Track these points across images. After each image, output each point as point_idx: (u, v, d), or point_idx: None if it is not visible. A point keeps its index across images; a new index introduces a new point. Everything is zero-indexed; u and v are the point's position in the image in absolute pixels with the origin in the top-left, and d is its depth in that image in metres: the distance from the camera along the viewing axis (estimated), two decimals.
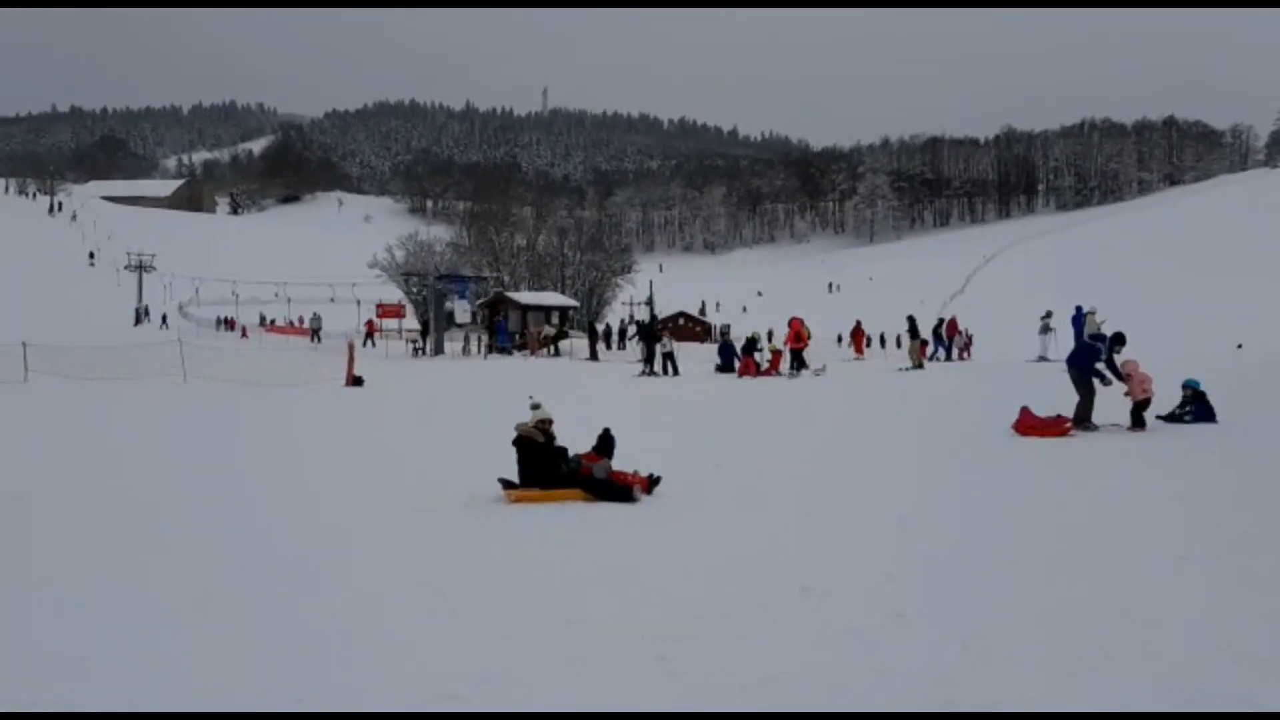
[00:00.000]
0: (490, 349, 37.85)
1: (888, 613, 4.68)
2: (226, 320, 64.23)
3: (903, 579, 5.35)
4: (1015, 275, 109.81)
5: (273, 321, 66.78)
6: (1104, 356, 11.86)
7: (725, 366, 27.23)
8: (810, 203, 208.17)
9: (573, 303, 49.39)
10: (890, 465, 10.06)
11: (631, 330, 45.96)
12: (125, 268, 79.27)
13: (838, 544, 6.32)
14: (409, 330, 50.79)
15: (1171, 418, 12.09)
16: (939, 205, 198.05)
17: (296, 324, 62.55)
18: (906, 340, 28.64)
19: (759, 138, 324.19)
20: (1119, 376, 11.78)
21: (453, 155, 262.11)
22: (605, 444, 8.37)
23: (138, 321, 61.11)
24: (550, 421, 8.16)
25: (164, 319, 62.21)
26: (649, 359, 26.91)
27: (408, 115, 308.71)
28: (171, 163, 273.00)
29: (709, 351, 34.73)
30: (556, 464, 8.00)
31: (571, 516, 7.29)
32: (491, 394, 19.24)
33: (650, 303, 70.83)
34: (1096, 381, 11.71)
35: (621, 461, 8.35)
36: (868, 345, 38.73)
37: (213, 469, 10.20)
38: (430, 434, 13.74)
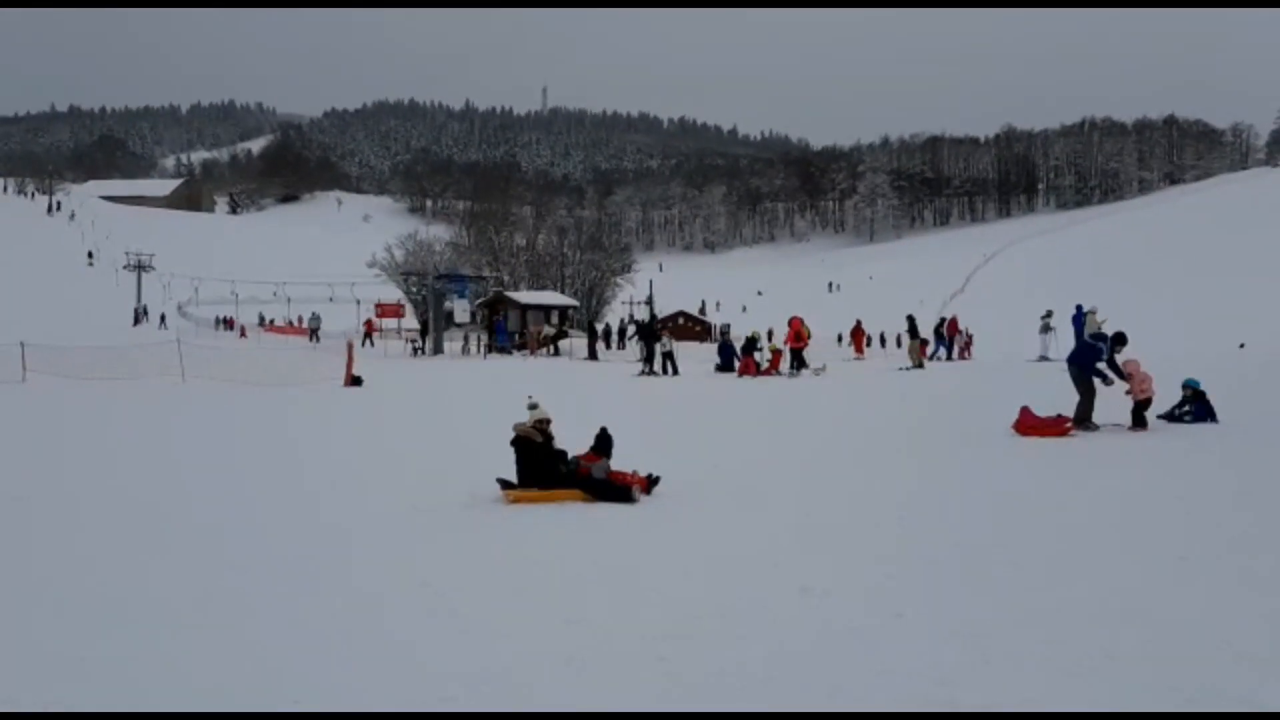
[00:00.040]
0: (489, 349, 37.84)
1: (888, 613, 4.67)
2: (225, 320, 64.20)
3: (903, 579, 5.34)
4: (1015, 274, 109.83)
5: (272, 321, 66.74)
6: (1105, 356, 11.85)
7: (725, 366, 27.25)
8: (810, 202, 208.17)
9: (572, 302, 49.42)
10: (890, 465, 10.05)
11: (631, 330, 45.98)
12: (124, 267, 79.22)
13: (838, 544, 6.31)
14: (408, 330, 50.78)
15: (1171, 417, 12.10)
16: (939, 204, 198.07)
17: (296, 324, 62.52)
18: (907, 340, 28.65)
19: (759, 137, 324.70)
20: (1121, 376, 11.78)
21: (452, 154, 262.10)
22: (603, 443, 8.36)
23: (136, 321, 61.05)
24: (548, 421, 8.15)
25: (162, 319, 62.17)
26: (648, 358, 26.91)
27: (407, 114, 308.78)
28: (170, 162, 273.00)
29: (709, 351, 34.74)
30: (555, 464, 7.99)
31: (570, 517, 7.28)
32: (491, 394, 19.23)
33: (650, 302, 70.85)
34: (1098, 381, 11.70)
35: (620, 461, 8.35)
36: (868, 345, 38.75)
37: (211, 469, 10.19)
38: (429, 434, 13.73)
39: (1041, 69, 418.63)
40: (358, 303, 65.72)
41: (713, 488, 8.47)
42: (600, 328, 45.64)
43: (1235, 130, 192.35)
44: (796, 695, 3.72)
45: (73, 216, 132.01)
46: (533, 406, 8.19)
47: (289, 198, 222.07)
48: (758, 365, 25.50)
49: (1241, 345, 43.42)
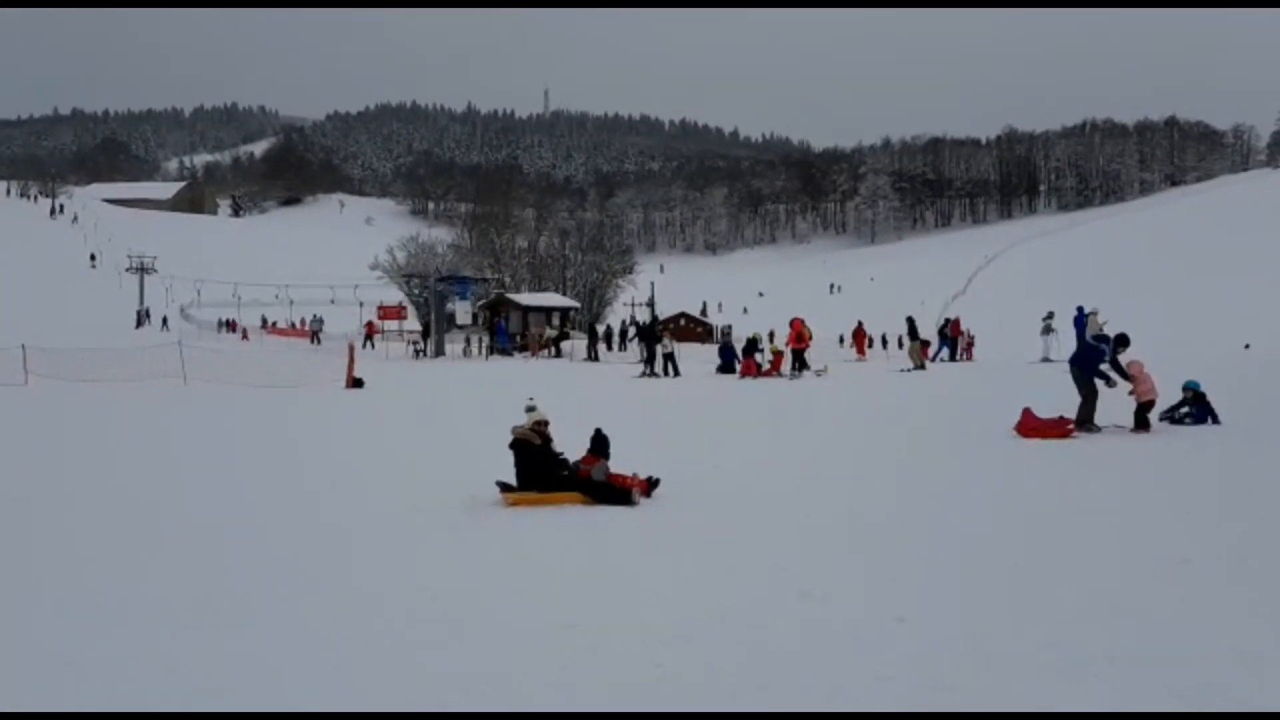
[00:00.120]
0: (491, 350, 37.85)
1: (888, 616, 4.65)
2: (228, 322, 64.30)
3: (903, 582, 5.32)
4: (1017, 276, 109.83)
5: (274, 324, 66.84)
6: (1108, 357, 11.84)
7: (726, 368, 27.24)
8: (811, 203, 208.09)
9: (573, 304, 49.49)
10: (891, 467, 10.03)
11: (632, 331, 46.01)
12: (126, 270, 79.34)
13: (838, 546, 6.29)
14: (410, 332, 50.84)
15: (1171, 418, 12.08)
16: (940, 206, 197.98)
17: (298, 326, 62.59)
18: (908, 342, 28.65)
19: (760, 139, 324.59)
20: (1124, 376, 11.76)
21: (454, 157, 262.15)
22: (599, 444, 8.32)
23: (139, 324, 61.15)
24: (546, 423, 8.13)
25: (164, 321, 62.28)
26: (649, 360, 26.91)
27: (409, 117, 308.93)
28: (173, 165, 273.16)
29: (710, 352, 34.72)
30: (554, 466, 7.97)
31: (569, 519, 7.27)
32: (491, 395, 19.23)
33: (651, 304, 70.86)
34: (1100, 383, 11.69)
35: (620, 463, 8.33)
36: (869, 346, 38.74)
37: (211, 470, 10.17)
38: (429, 435, 13.72)
39: (1042, 70, 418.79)
40: (360, 305, 65.86)
41: (713, 490, 8.45)
42: (601, 329, 45.64)
43: (1236, 131, 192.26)
44: (795, 701, 3.70)
45: (75, 219, 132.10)
46: (530, 409, 8.17)
47: (291, 200, 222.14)
48: (759, 366, 25.49)
49: (1247, 346, 43.45)
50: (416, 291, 56.14)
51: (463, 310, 40.28)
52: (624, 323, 60.57)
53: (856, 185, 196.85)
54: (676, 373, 26.31)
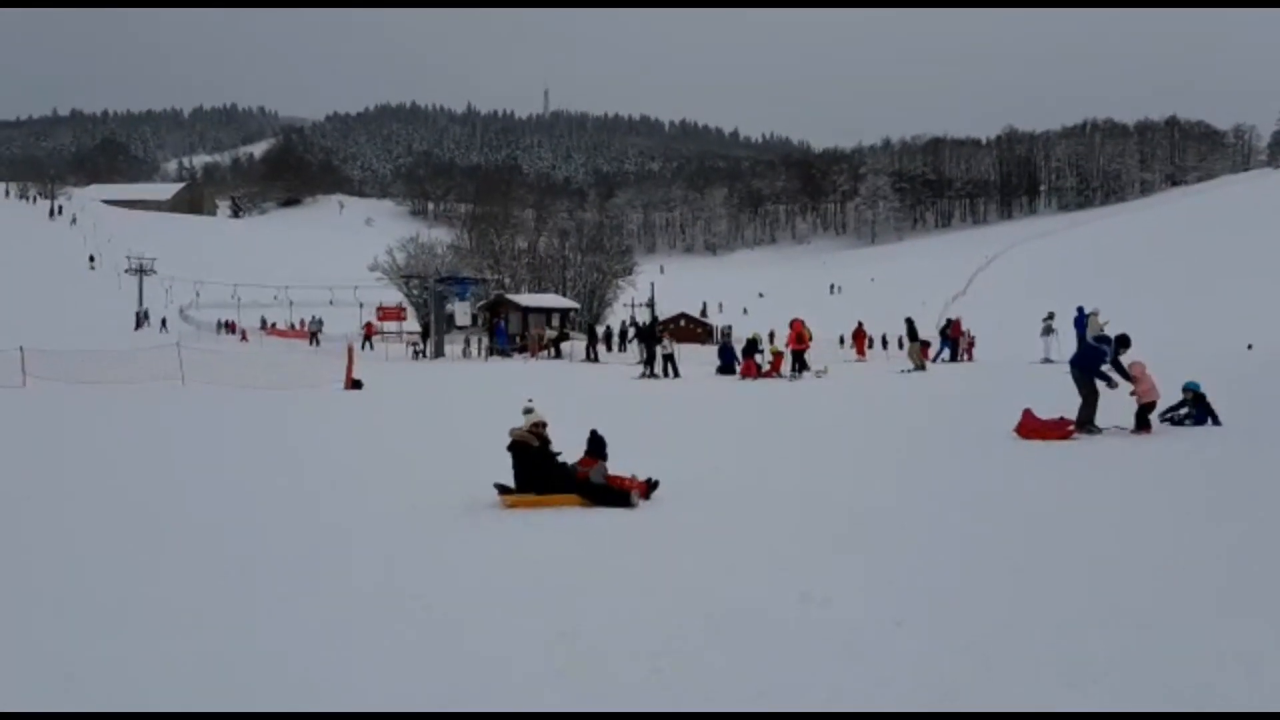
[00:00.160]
0: (490, 351, 37.81)
1: (888, 620, 4.61)
2: (227, 323, 64.31)
3: (903, 585, 5.27)
4: (1017, 276, 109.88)
5: (274, 325, 66.89)
6: (1109, 358, 11.79)
7: (725, 369, 27.19)
8: (812, 204, 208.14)
9: (573, 304, 49.45)
10: (892, 468, 9.99)
11: (632, 332, 45.99)
12: (126, 271, 79.34)
13: (838, 549, 6.25)
14: (409, 333, 50.83)
15: (1170, 419, 12.02)
16: (941, 206, 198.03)
17: (298, 327, 62.63)
18: (908, 342, 28.62)
19: (760, 139, 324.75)
20: (1126, 377, 11.71)
21: (454, 158, 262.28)
22: (596, 445, 8.26)
23: (138, 325, 61.14)
24: (544, 424, 8.07)
25: (163, 322, 62.29)
26: (649, 361, 26.86)
27: (409, 118, 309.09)
28: (172, 166, 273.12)
29: (710, 353, 34.67)
30: (552, 468, 7.92)
31: (567, 522, 7.22)
32: (491, 397, 19.18)
33: (651, 304, 70.83)
34: (1101, 384, 11.63)
35: (620, 465, 8.27)
36: (869, 347, 38.70)
37: (209, 473, 10.13)
38: (428, 437, 13.67)
39: (1043, 70, 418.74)
40: (360, 306, 65.87)
41: (712, 491, 8.40)
42: (601, 330, 45.61)
43: (1237, 131, 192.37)
44: (793, 707, 3.67)
45: (74, 220, 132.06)
46: (528, 411, 8.12)
47: (291, 201, 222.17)
48: (759, 367, 25.45)
49: (1250, 346, 43.45)
50: (416, 292, 56.12)
51: (462, 311, 40.25)
52: (624, 323, 60.54)
53: (856, 185, 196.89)
54: (676, 374, 26.26)
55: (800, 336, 25.42)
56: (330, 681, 3.98)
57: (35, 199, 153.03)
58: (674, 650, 4.28)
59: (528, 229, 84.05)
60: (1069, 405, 11.77)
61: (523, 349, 38.03)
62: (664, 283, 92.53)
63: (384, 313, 56.00)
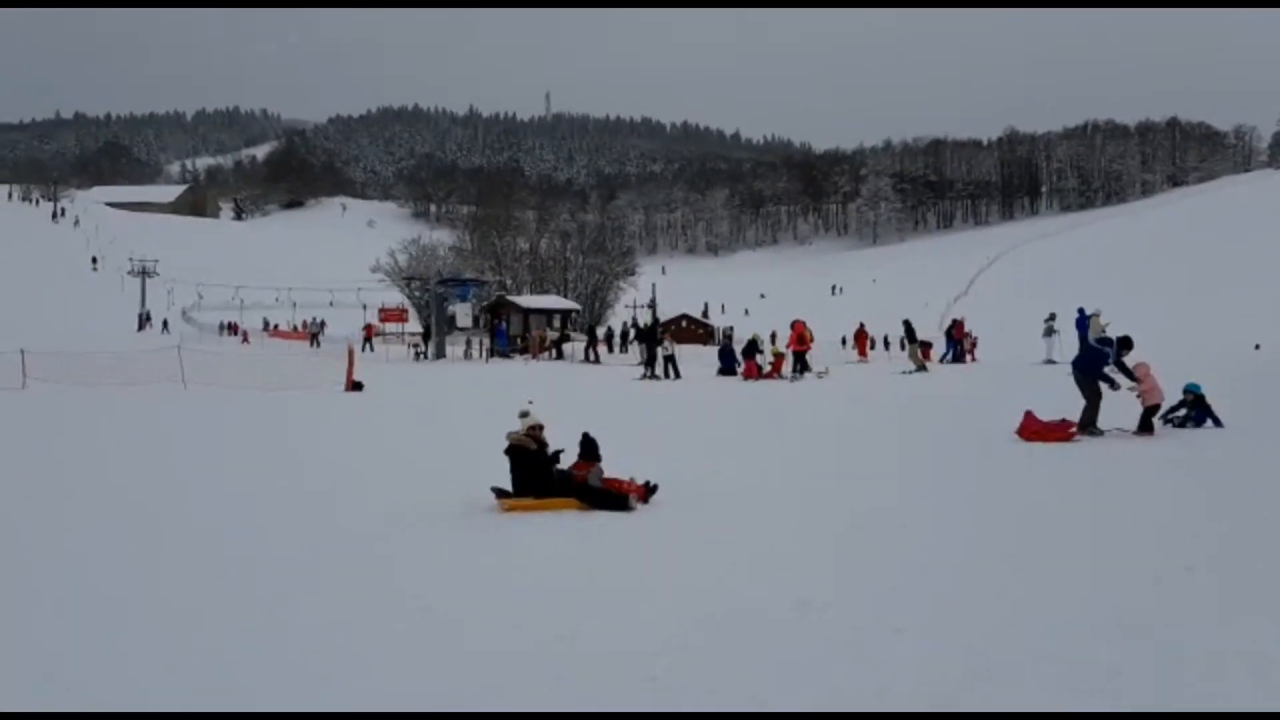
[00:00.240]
0: (491, 353, 37.77)
1: (887, 626, 4.56)
2: (229, 325, 64.39)
3: (903, 590, 5.23)
4: (1019, 277, 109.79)
5: (275, 326, 67.00)
6: (1112, 360, 11.73)
7: (726, 370, 27.13)
8: (813, 205, 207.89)
9: (574, 306, 49.40)
10: (892, 471, 9.94)
11: (633, 334, 45.94)
12: (128, 273, 79.46)
13: (838, 553, 6.21)
14: (410, 334, 50.82)
15: (1171, 421, 11.96)
16: (942, 207, 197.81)
17: (300, 328, 62.72)
18: (908, 344, 28.61)
19: (761, 140, 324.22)
20: (1130, 376, 11.66)
21: (456, 160, 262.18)
22: (589, 448, 8.21)
23: (141, 327, 61.24)
24: (541, 427, 8.03)
25: (165, 324, 62.39)
26: (650, 362, 26.82)
27: (411, 120, 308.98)
28: (175, 168, 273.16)
29: (711, 354, 34.62)
30: (550, 471, 7.89)
31: (565, 526, 7.19)
32: (491, 398, 19.13)
33: (653, 305, 70.78)
34: (1104, 385, 11.58)
35: (620, 467, 8.23)
36: (871, 348, 38.64)
37: (208, 475, 10.11)
38: (428, 439, 13.64)
39: (1043, 71, 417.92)
40: (364, 307, 65.93)
41: (711, 495, 8.36)
42: (602, 332, 45.58)
43: (1238, 132, 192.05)
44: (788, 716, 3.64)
45: (77, 223, 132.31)
46: (524, 414, 8.08)
47: (293, 203, 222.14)
48: (759, 368, 25.40)
49: (1257, 346, 43.40)
50: (418, 294, 56.10)
51: (463, 313, 40.21)
52: (625, 324, 60.49)
53: (858, 187, 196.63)
54: (677, 375, 26.21)
55: (802, 338, 25.37)
56: (329, 682, 3.99)
57: (38, 201, 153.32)
58: (671, 654, 4.25)
59: (529, 231, 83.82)
60: (1071, 406, 11.71)
61: (524, 350, 37.99)
62: (665, 284, 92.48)
63: (386, 314, 56.03)
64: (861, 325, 37.29)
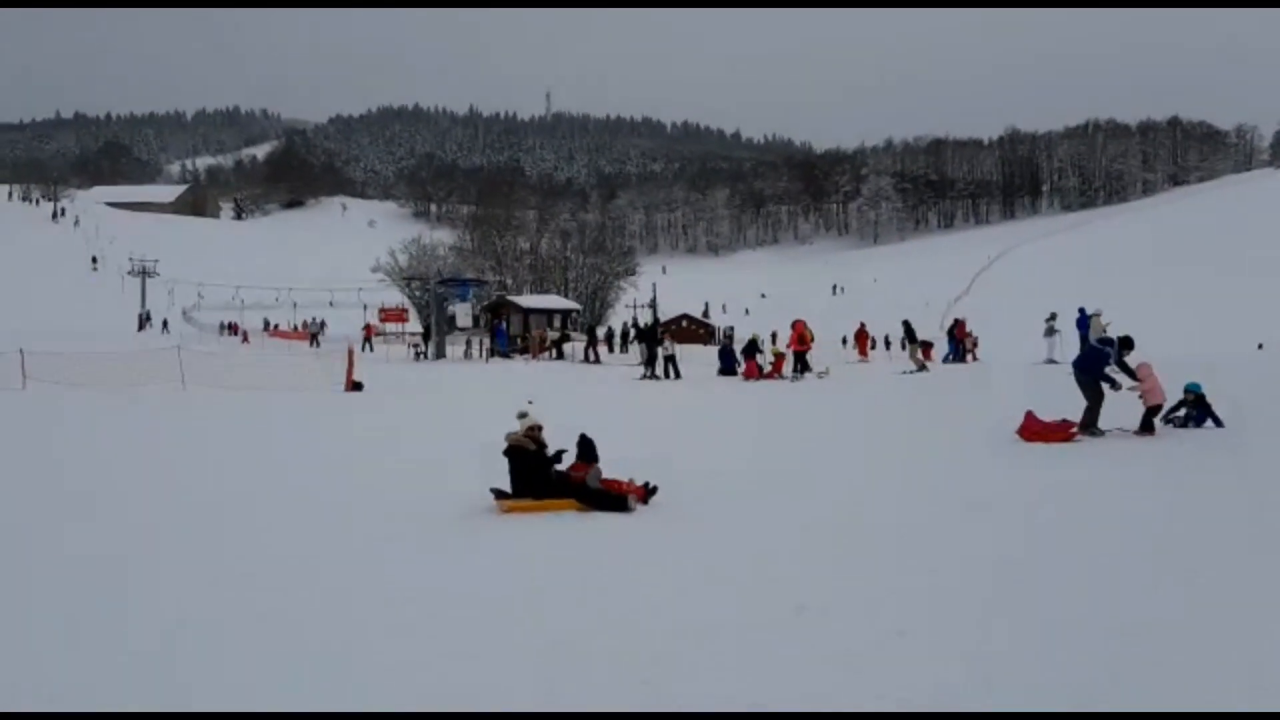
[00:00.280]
0: (491, 353, 37.72)
1: (887, 631, 4.52)
2: (230, 325, 64.39)
3: (903, 594, 5.19)
4: (1020, 277, 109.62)
5: (275, 326, 67.00)
6: (1113, 360, 11.69)
7: (726, 371, 27.06)
8: (814, 204, 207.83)
9: (574, 306, 49.32)
10: (892, 473, 9.90)
11: (633, 334, 45.88)
12: (128, 273, 79.47)
13: (837, 557, 6.17)
14: (410, 334, 50.80)
15: (1171, 421, 11.92)
16: (943, 207, 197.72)
17: (301, 328, 62.73)
18: (908, 344, 28.60)
19: (762, 140, 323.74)
20: (1132, 376, 11.61)
21: (456, 159, 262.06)
22: (586, 449, 8.17)
23: (141, 327, 61.23)
24: (539, 428, 7.99)
25: (164, 324, 62.40)
26: (650, 362, 26.76)
27: (411, 120, 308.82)
28: (175, 168, 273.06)
29: (712, 354, 34.58)
30: (549, 473, 7.85)
31: (563, 528, 7.15)
32: (491, 399, 19.07)
33: (653, 305, 70.70)
34: (1106, 386, 11.52)
35: (620, 468, 8.20)
36: (872, 348, 38.59)
37: (203, 476, 10.08)
38: (426, 440, 13.60)
39: (1044, 70, 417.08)
40: (365, 307, 65.93)
41: (711, 496, 8.32)
42: (602, 332, 45.52)
43: (1239, 131, 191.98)
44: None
45: (77, 223, 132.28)
46: (522, 415, 8.04)
47: (294, 203, 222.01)
48: (760, 369, 25.35)
49: (1260, 346, 43.34)
50: (418, 294, 56.06)
51: (463, 313, 40.15)
52: (625, 324, 60.44)
53: (859, 186, 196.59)
54: (678, 375, 26.16)
55: (802, 338, 25.32)
56: (326, 683, 3.99)
57: (38, 201, 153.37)
58: (668, 658, 4.22)
59: (530, 230, 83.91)
60: (1072, 407, 11.65)
61: (524, 350, 37.93)
62: (666, 284, 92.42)
63: (386, 314, 56.02)
64: (862, 325, 37.22)
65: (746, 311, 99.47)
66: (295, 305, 78.55)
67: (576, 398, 19.10)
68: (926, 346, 29.59)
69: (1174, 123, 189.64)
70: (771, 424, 15.40)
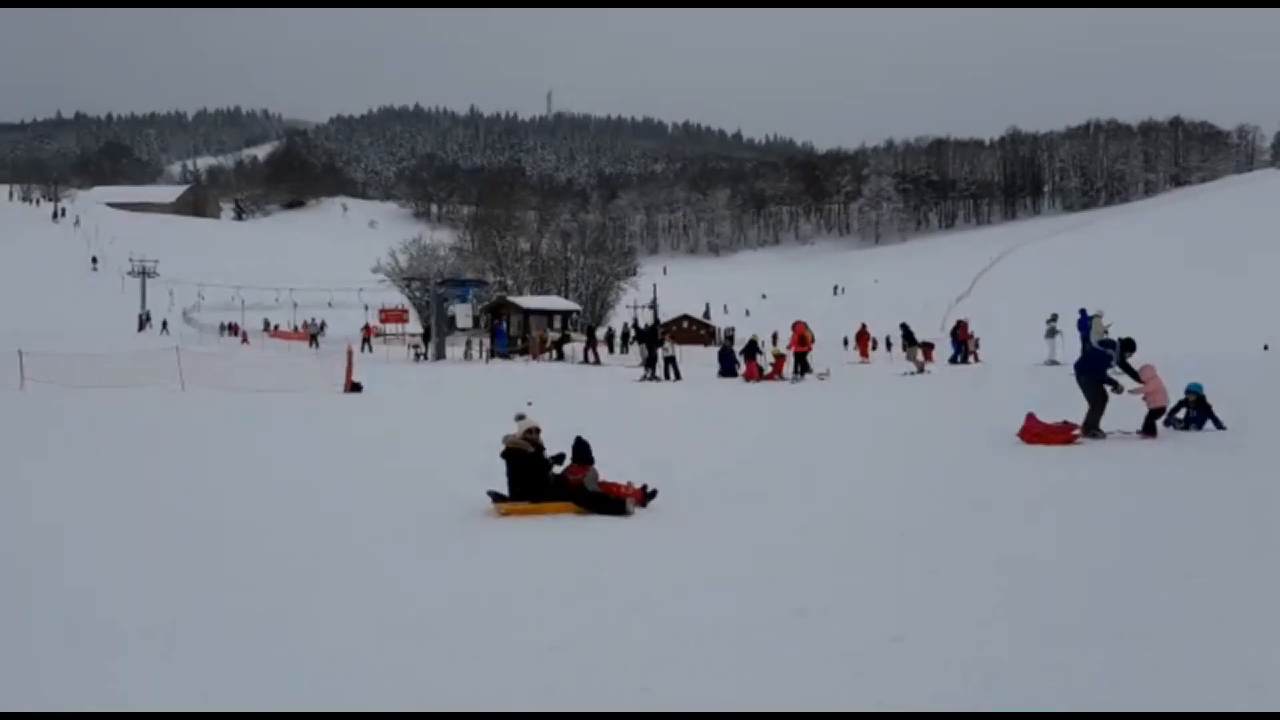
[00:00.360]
0: (491, 353, 37.68)
1: (887, 636, 4.48)
2: (230, 325, 64.38)
3: (903, 598, 5.14)
4: (1022, 277, 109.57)
5: (276, 326, 67.01)
6: (1115, 362, 11.63)
7: (726, 372, 27.02)
8: (815, 205, 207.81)
9: (574, 306, 49.28)
10: (893, 475, 9.85)
11: (633, 335, 45.84)
12: (128, 273, 79.47)
13: (837, 560, 6.12)
14: (410, 335, 50.77)
15: (1174, 423, 11.86)
16: (944, 207, 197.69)
17: (301, 329, 62.73)
18: (907, 346, 28.61)
19: (763, 140, 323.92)
20: (1135, 377, 11.56)
21: (457, 160, 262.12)
22: (582, 451, 8.11)
23: (141, 327, 61.21)
24: (537, 430, 7.94)
25: (164, 324, 62.38)
26: (650, 363, 26.72)
27: (412, 120, 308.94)
28: (176, 169, 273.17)
29: (713, 355, 34.55)
30: (547, 475, 7.80)
31: (561, 531, 7.10)
32: (490, 400, 19.04)
33: (654, 306, 70.69)
34: (1108, 388, 11.46)
35: (619, 471, 8.15)
36: (873, 348, 38.55)
37: (200, 477, 10.04)
38: (425, 441, 13.57)
39: (1046, 71, 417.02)
40: (366, 308, 65.96)
41: (710, 499, 8.27)
42: (602, 332, 45.47)
43: (1241, 132, 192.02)
44: None
45: (78, 223, 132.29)
46: (520, 417, 7.99)
47: (294, 204, 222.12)
48: (760, 370, 25.30)
49: (1265, 347, 43.34)
50: (418, 294, 56.02)
51: (463, 313, 40.12)
52: (625, 325, 60.43)
53: (860, 187, 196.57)
54: (678, 376, 26.12)
55: (803, 338, 25.28)
56: (321, 685, 3.99)
57: (39, 201, 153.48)
58: (666, 663, 4.17)
59: (530, 231, 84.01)
60: (1073, 408, 11.61)
61: (524, 351, 37.88)
62: (667, 284, 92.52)
63: (386, 315, 55.98)
64: (863, 326, 37.20)
65: (747, 312, 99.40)
66: (295, 306, 78.58)
67: (576, 399, 19.06)
68: (928, 347, 29.56)
69: (1176, 123, 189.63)
70: (772, 425, 15.36)
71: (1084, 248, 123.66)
